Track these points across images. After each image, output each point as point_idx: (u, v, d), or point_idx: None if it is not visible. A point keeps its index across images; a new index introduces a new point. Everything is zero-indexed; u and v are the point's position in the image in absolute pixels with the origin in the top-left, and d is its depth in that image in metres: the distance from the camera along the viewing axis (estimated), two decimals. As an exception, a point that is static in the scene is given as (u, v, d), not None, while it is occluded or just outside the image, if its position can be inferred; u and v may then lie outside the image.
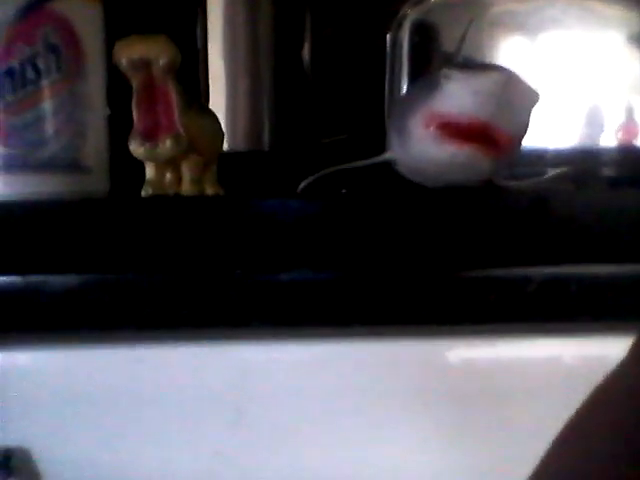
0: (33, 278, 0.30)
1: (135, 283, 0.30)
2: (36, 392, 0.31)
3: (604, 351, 0.31)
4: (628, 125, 0.57)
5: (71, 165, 0.40)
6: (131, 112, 0.33)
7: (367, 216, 0.30)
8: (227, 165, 0.40)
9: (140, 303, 0.30)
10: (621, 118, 0.56)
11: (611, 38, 0.55)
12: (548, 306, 0.30)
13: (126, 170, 0.41)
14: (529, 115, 0.31)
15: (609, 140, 0.56)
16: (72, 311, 0.30)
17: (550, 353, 0.32)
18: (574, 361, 0.32)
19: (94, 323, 0.30)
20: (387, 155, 0.35)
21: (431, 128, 0.30)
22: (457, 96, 0.30)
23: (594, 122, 0.56)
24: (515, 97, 0.30)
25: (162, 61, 0.30)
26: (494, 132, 0.30)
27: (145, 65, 0.30)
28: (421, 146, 0.31)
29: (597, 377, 0.31)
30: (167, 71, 0.31)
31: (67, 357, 0.31)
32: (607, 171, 0.57)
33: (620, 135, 0.57)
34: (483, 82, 0.29)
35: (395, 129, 0.34)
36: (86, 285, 0.30)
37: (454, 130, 0.30)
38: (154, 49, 0.30)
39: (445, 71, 0.29)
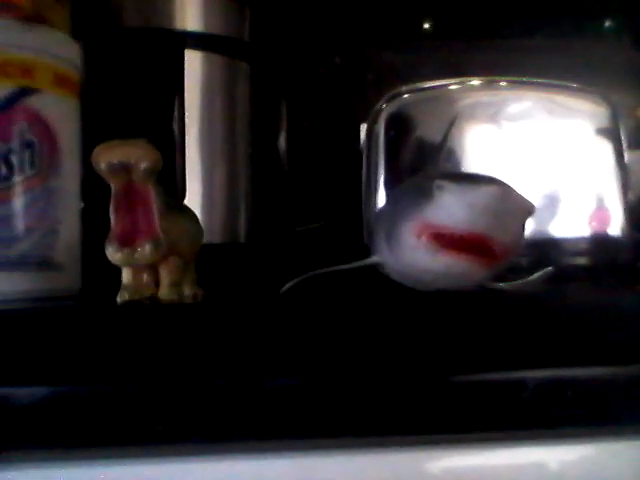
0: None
1: (107, 395, 0.28)
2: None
3: (604, 457, 0.30)
4: (600, 214, 0.58)
5: (42, 263, 0.39)
6: (105, 207, 0.32)
7: (356, 319, 0.29)
8: (203, 258, 0.39)
9: (112, 417, 0.28)
10: (592, 207, 0.57)
11: (580, 130, 0.57)
12: (544, 412, 0.29)
13: (98, 267, 0.40)
14: (524, 225, 0.31)
15: (581, 229, 0.57)
16: (38, 426, 0.28)
17: (547, 460, 0.30)
18: (573, 468, 0.30)
19: (62, 440, 0.28)
20: (374, 258, 0.34)
21: (423, 238, 0.30)
22: (451, 208, 0.29)
23: (565, 212, 0.57)
24: (510, 209, 0.29)
25: (143, 166, 0.30)
26: (490, 243, 0.29)
27: (125, 169, 0.30)
28: (413, 255, 0.31)
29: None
30: (148, 175, 0.30)
31: (31, 477, 0.29)
32: (581, 260, 0.58)
33: (593, 224, 0.58)
34: (479, 195, 0.28)
35: (384, 234, 0.33)
36: (54, 398, 0.28)
37: (448, 241, 0.29)
38: (134, 154, 0.30)
39: (438, 182, 0.29)
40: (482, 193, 0.28)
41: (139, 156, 0.30)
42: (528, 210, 0.29)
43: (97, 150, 0.30)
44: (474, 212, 0.28)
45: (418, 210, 0.30)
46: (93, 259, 0.41)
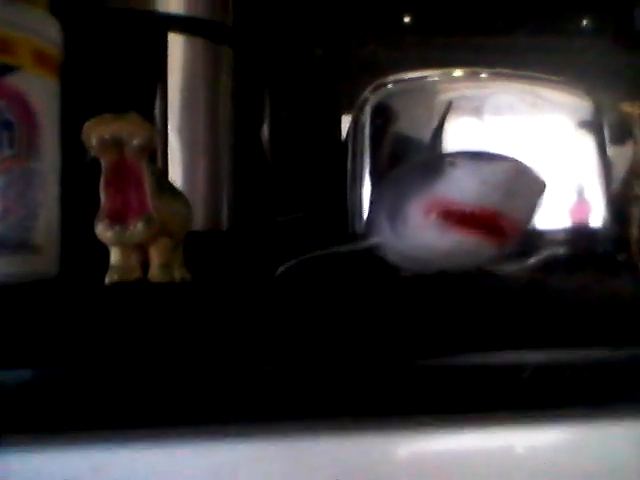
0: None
1: (96, 378, 0.27)
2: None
3: (601, 437, 0.30)
4: (582, 206, 0.58)
5: (20, 245, 0.37)
6: (82, 191, 0.31)
7: (353, 302, 0.28)
8: (185, 244, 0.38)
9: (102, 401, 0.27)
10: (574, 199, 0.58)
11: (562, 123, 0.58)
12: (542, 393, 0.29)
13: (74, 250, 0.39)
14: (536, 203, 0.30)
15: (564, 221, 0.58)
16: (24, 410, 0.27)
17: (546, 442, 0.30)
18: (570, 449, 0.30)
19: (50, 424, 0.27)
20: (374, 240, 0.34)
21: (432, 215, 0.29)
22: (463, 184, 0.29)
23: (548, 203, 0.57)
24: (522, 186, 0.29)
25: (136, 141, 0.29)
26: (501, 220, 0.29)
27: (117, 144, 0.29)
28: (420, 233, 0.30)
29: (596, 464, 0.29)
30: (141, 151, 0.29)
31: (19, 462, 0.28)
32: (562, 251, 0.58)
33: (572, 215, 0.58)
34: (491, 171, 0.28)
35: (386, 213, 0.33)
36: (42, 381, 0.27)
37: (459, 218, 0.29)
38: (128, 128, 0.29)
39: (450, 158, 0.28)
40: (495, 169, 0.27)
41: (132, 131, 0.29)
42: (540, 188, 0.29)
43: (88, 124, 0.29)
44: (487, 188, 0.28)
45: (427, 187, 0.29)
46: (71, 243, 0.40)
